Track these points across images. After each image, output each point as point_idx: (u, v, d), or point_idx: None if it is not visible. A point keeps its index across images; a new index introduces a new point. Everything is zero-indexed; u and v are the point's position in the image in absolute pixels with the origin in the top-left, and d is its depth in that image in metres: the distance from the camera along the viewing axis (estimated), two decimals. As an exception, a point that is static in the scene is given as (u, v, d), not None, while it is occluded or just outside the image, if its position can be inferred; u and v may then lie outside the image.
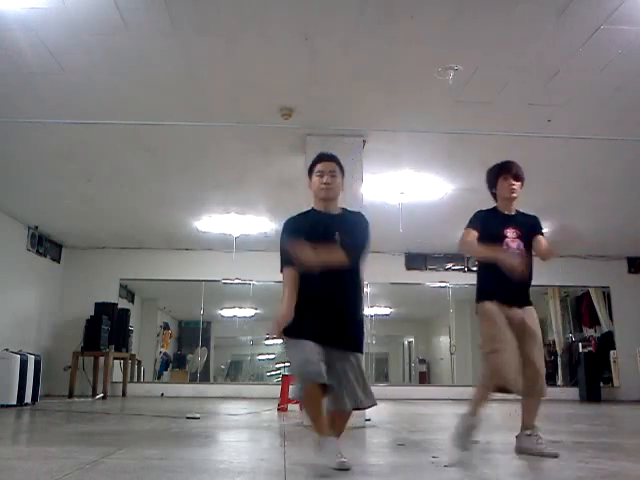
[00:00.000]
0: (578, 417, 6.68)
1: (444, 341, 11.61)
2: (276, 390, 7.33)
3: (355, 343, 2.87)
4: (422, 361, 12.33)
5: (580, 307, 11.23)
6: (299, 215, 3.07)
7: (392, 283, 10.20)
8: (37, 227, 8.84)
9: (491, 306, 3.18)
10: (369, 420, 5.00)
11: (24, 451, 3.57)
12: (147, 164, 6.41)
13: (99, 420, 5.69)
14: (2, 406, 6.46)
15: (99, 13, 3.71)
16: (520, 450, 3.12)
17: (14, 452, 3.46)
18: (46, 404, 7.08)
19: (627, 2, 3.55)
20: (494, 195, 3.48)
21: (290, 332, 2.73)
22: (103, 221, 8.71)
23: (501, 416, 5.94)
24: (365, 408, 2.92)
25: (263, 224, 8.65)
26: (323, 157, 3.15)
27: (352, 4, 3.68)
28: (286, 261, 2.80)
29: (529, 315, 3.23)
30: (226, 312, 12.62)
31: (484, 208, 3.45)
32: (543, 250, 3.28)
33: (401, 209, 6.99)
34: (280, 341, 2.97)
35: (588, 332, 11.10)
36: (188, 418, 5.30)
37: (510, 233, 3.25)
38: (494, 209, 3.45)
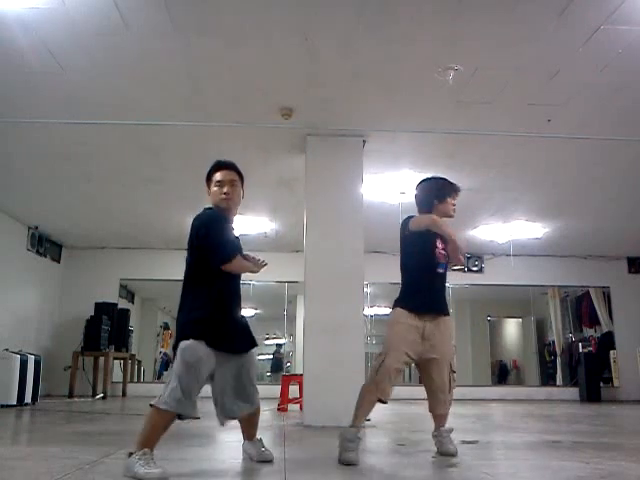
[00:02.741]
0: (578, 417, 6.68)
1: (444, 341, 11.60)
2: (276, 390, 7.32)
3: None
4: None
5: (580, 307, 11.23)
6: (219, 212, 2.97)
7: (392, 283, 10.16)
8: (37, 227, 8.84)
9: (401, 313, 3.21)
10: (369, 420, 4.99)
11: (24, 451, 3.57)
12: (147, 164, 6.40)
13: (99, 420, 5.69)
14: (2, 406, 6.46)
15: (99, 13, 3.70)
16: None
17: (14, 452, 3.46)
18: (46, 404, 7.08)
19: (627, 2, 3.54)
20: (432, 206, 3.37)
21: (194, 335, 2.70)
22: (103, 221, 8.71)
23: (501, 416, 5.95)
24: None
25: (263, 224, 8.65)
26: (222, 165, 3.00)
27: (352, 4, 3.68)
28: (233, 250, 2.88)
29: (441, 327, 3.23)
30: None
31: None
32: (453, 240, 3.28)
33: (401, 209, 7.00)
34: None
35: (588, 332, 11.11)
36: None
37: (439, 244, 3.27)
38: None
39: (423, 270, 3.26)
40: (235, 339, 2.84)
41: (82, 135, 5.55)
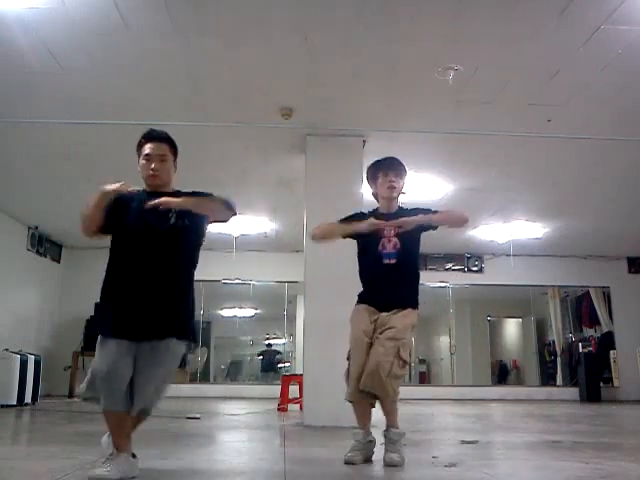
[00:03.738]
0: (578, 417, 6.68)
1: (444, 341, 11.61)
2: (276, 390, 7.32)
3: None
4: (422, 361, 12.32)
5: (580, 307, 11.23)
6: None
7: (392, 283, 10.20)
8: (37, 227, 8.83)
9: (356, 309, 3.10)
10: (369, 420, 4.99)
11: (24, 451, 3.58)
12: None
13: (99, 420, 5.63)
14: (2, 406, 6.46)
15: (99, 13, 3.70)
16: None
17: (14, 452, 3.46)
18: (46, 404, 7.08)
19: (627, 2, 3.54)
20: (375, 195, 3.29)
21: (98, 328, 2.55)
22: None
23: (501, 416, 5.95)
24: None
25: (263, 224, 8.64)
26: (151, 137, 2.69)
27: (352, 4, 3.67)
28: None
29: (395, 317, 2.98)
30: (226, 312, 12.61)
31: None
32: (440, 218, 3.08)
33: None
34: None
35: (588, 332, 11.11)
36: (188, 418, 5.30)
37: (387, 231, 3.03)
38: (375, 210, 3.26)
39: (369, 263, 3.09)
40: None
41: (82, 135, 5.55)
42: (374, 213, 3.20)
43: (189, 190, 2.70)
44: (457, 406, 8.34)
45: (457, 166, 6.24)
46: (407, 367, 2.99)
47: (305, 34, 3.98)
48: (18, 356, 6.92)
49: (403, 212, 3.14)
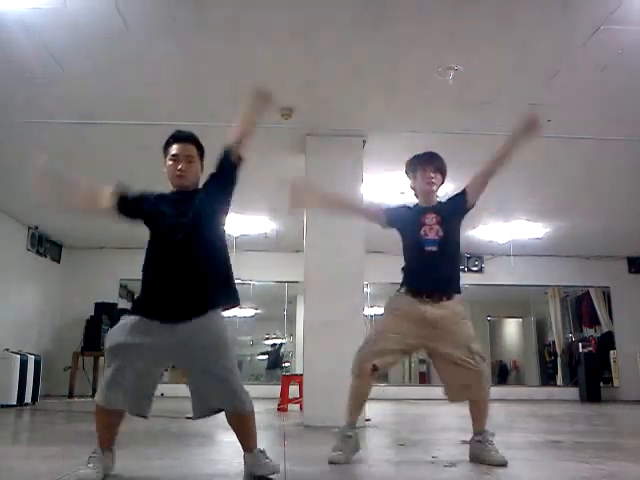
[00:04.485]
0: (578, 417, 6.68)
1: (444, 341, 11.61)
2: (276, 390, 7.32)
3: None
4: (422, 361, 12.31)
5: (580, 307, 11.24)
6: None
7: (392, 283, 10.18)
8: (37, 227, 8.84)
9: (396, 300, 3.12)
10: (369, 420, 5.00)
11: (24, 451, 3.57)
12: (147, 164, 6.39)
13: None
14: (2, 406, 6.46)
15: (100, 13, 3.70)
16: (471, 458, 2.98)
17: (14, 452, 3.46)
18: (46, 404, 7.08)
19: (627, 2, 3.54)
20: (414, 189, 3.35)
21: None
22: (103, 221, 8.67)
23: (501, 416, 5.95)
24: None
25: (263, 224, 8.64)
26: (179, 137, 2.71)
27: (352, 4, 3.68)
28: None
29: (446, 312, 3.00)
30: (226, 312, 12.61)
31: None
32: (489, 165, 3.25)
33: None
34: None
35: (588, 332, 11.11)
36: (188, 418, 5.29)
37: (428, 219, 3.08)
38: (416, 205, 3.31)
39: (411, 250, 3.14)
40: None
41: (82, 135, 5.55)
42: (416, 208, 3.26)
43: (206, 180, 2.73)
44: (457, 406, 8.32)
45: (457, 166, 6.22)
46: (486, 357, 3.03)
47: (305, 34, 3.98)
48: (18, 356, 6.92)
49: (442, 205, 3.22)
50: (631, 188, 6.90)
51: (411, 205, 3.31)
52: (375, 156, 5.84)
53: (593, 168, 6.31)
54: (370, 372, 2.99)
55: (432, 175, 3.19)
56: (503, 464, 2.80)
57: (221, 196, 2.66)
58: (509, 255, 9.31)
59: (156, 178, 6.35)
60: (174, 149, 2.66)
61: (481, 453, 2.91)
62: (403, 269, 3.21)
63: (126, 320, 2.52)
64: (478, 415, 3.00)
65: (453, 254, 3.15)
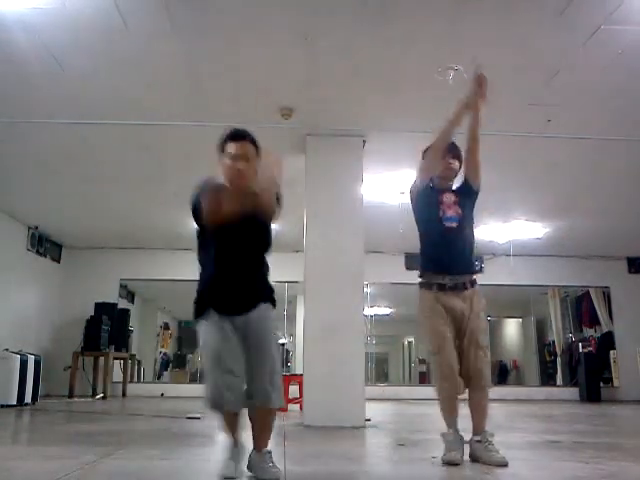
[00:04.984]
0: (578, 417, 6.68)
1: (444, 341, 11.61)
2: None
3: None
4: (422, 361, 12.32)
5: (580, 307, 11.24)
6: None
7: (392, 283, 10.20)
8: (37, 227, 8.83)
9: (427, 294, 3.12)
10: (369, 420, 5.00)
11: (24, 451, 3.57)
12: (147, 164, 6.40)
13: (99, 420, 5.69)
14: (2, 406, 6.46)
15: (99, 13, 3.71)
16: (472, 458, 3.00)
17: (14, 452, 3.46)
18: (46, 404, 7.08)
19: (627, 2, 3.54)
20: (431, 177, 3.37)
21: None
22: (103, 221, 8.71)
23: (501, 416, 5.94)
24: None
25: (263, 224, 8.64)
26: (237, 136, 2.62)
27: (352, 4, 3.68)
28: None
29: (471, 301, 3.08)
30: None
31: None
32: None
33: (401, 209, 6.99)
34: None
35: (588, 332, 11.11)
36: (188, 418, 5.30)
37: (446, 198, 3.20)
38: (431, 187, 3.35)
39: (431, 229, 3.19)
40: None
41: (82, 135, 5.55)
42: (432, 188, 3.30)
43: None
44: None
45: (457, 166, 6.24)
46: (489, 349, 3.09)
47: (305, 34, 3.98)
48: (18, 356, 6.92)
49: (457, 190, 3.31)
50: (631, 188, 6.90)
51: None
52: (375, 156, 5.85)
53: (593, 168, 6.31)
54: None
55: (451, 161, 3.29)
56: (503, 464, 2.81)
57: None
58: (509, 255, 9.31)
59: (156, 178, 6.36)
60: (232, 148, 2.59)
61: (481, 453, 2.92)
62: (421, 255, 3.25)
63: (207, 324, 2.55)
64: (477, 415, 3.01)
65: (471, 235, 3.22)
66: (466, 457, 2.96)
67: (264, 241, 2.71)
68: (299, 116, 5.13)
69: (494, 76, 4.51)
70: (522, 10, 3.68)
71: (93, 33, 3.94)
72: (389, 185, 6.76)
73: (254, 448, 2.54)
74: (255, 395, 2.47)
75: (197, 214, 2.57)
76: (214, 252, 2.65)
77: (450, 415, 3.06)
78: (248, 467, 2.53)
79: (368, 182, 6.00)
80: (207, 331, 2.52)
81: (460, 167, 3.34)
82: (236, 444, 2.56)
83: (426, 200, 3.24)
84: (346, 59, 4.29)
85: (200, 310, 2.58)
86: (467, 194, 3.30)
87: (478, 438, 2.96)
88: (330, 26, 3.91)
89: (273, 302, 2.66)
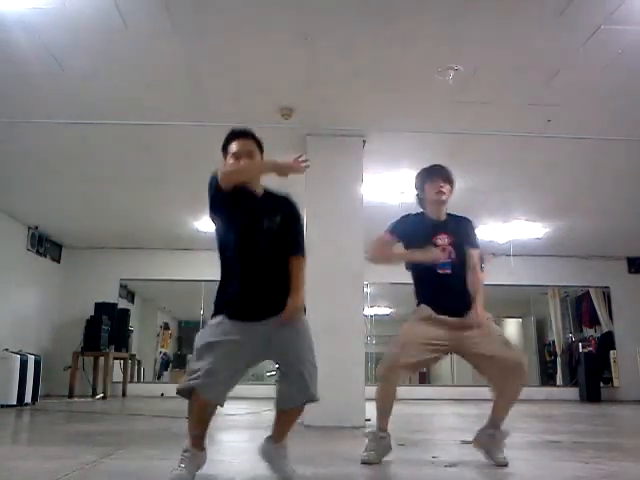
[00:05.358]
0: (578, 417, 6.68)
1: (444, 341, 11.61)
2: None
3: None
4: (422, 361, 12.32)
5: (580, 307, 11.23)
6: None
7: (392, 283, 10.18)
8: (37, 227, 8.83)
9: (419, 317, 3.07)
10: (369, 420, 4.99)
11: (24, 451, 3.57)
12: (147, 164, 6.40)
13: (99, 420, 5.69)
14: (2, 406, 6.46)
15: (99, 13, 3.71)
16: (476, 445, 3.05)
17: (14, 452, 3.46)
18: (46, 404, 7.08)
19: (627, 2, 3.54)
20: (421, 201, 3.29)
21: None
22: (103, 221, 8.71)
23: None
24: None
25: (263, 224, 8.63)
26: (238, 134, 2.66)
27: (352, 4, 3.68)
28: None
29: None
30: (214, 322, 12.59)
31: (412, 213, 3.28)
32: (471, 269, 3.06)
33: (401, 209, 6.99)
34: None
35: (588, 332, 11.10)
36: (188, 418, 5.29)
37: (440, 240, 3.05)
38: (422, 214, 3.26)
39: (423, 273, 3.08)
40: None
41: (82, 135, 5.55)
42: (422, 217, 3.22)
43: (280, 194, 2.78)
44: (457, 406, 8.34)
45: (457, 166, 6.22)
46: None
47: (305, 34, 3.98)
48: (18, 356, 6.92)
49: (452, 220, 3.19)
50: (631, 188, 6.90)
51: (416, 215, 3.27)
52: (375, 156, 5.84)
53: (593, 168, 6.31)
54: (398, 382, 3.02)
55: (442, 185, 3.15)
56: (504, 465, 2.83)
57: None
58: (509, 255, 9.30)
59: (156, 178, 6.36)
60: (234, 147, 2.62)
61: (489, 448, 2.95)
62: (416, 289, 3.17)
63: (217, 322, 2.47)
64: (500, 409, 3.00)
65: (464, 276, 3.09)
66: (466, 457, 2.96)
67: (294, 240, 2.61)
68: (299, 116, 5.13)
69: (494, 76, 4.55)
70: (522, 10, 3.68)
71: (93, 33, 3.94)
72: (389, 185, 6.76)
73: (273, 439, 2.52)
74: (297, 396, 2.43)
75: (215, 185, 2.52)
76: (238, 248, 2.50)
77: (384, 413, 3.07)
78: (261, 454, 2.52)
79: (368, 182, 6.00)
80: (224, 331, 2.42)
81: (452, 191, 3.20)
82: (201, 449, 2.43)
83: (416, 237, 3.10)
84: (346, 59, 4.29)
85: (222, 310, 2.48)
86: (466, 236, 3.15)
87: (492, 432, 2.99)
88: (330, 26, 3.91)
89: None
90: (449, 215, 3.22)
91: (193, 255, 9.97)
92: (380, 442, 3.02)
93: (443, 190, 3.15)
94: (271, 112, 5.07)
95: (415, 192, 3.32)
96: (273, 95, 4.87)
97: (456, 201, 3.36)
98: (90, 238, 9.60)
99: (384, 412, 3.09)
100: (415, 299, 3.16)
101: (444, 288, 3.02)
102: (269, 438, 2.55)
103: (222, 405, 2.42)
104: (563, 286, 11.01)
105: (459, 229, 3.15)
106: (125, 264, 10.08)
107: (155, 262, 10.05)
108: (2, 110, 5.03)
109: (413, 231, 3.14)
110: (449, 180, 3.20)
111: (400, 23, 3.85)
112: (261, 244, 2.49)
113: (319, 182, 5.46)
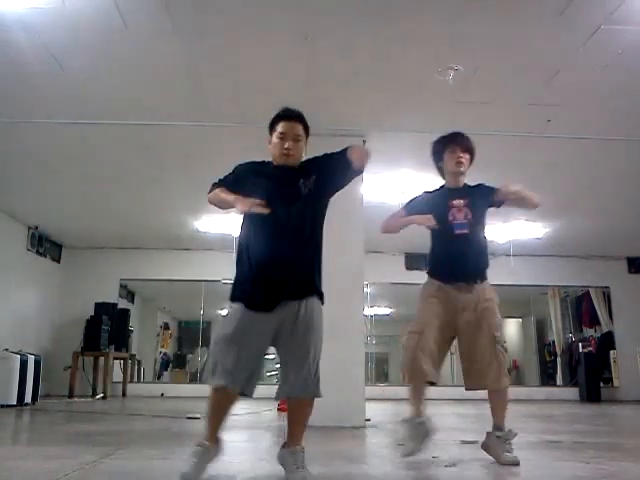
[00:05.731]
0: (578, 417, 6.68)
1: (444, 341, 11.60)
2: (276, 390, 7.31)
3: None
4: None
5: (580, 307, 11.24)
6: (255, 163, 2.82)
7: (392, 283, 10.20)
8: (37, 227, 8.84)
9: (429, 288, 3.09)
10: (369, 420, 5.00)
11: (24, 451, 3.57)
12: (147, 164, 6.40)
13: (99, 420, 5.69)
14: (2, 406, 6.46)
15: (99, 13, 3.71)
16: (484, 448, 3.05)
17: (14, 452, 3.46)
18: (46, 404, 7.07)
19: (627, 2, 3.54)
20: (440, 170, 3.31)
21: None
22: (103, 221, 8.71)
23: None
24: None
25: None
26: (288, 115, 2.70)
27: (352, 4, 3.68)
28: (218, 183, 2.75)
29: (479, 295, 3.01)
30: (226, 312, 12.60)
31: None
32: (508, 193, 3.06)
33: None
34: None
35: (588, 332, 11.11)
36: (188, 418, 5.29)
37: (456, 202, 3.08)
38: (442, 187, 3.28)
39: (440, 234, 3.09)
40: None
41: (82, 135, 5.55)
42: (441, 190, 3.23)
43: (317, 155, 2.75)
44: (457, 406, 8.34)
45: (457, 166, 6.24)
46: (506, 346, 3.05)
47: (305, 34, 3.98)
48: (18, 356, 6.92)
49: (471, 188, 3.20)
50: (631, 188, 6.90)
51: (433, 190, 3.29)
52: (375, 156, 5.77)
53: (593, 168, 6.31)
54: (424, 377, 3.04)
55: (461, 155, 3.17)
56: (515, 464, 2.82)
57: (338, 183, 2.79)
58: (509, 255, 9.30)
59: (156, 178, 6.37)
60: (281, 127, 2.68)
61: (496, 450, 2.95)
62: (429, 256, 3.19)
63: (235, 311, 2.55)
64: (497, 408, 3.06)
65: (482, 240, 3.12)
66: (466, 457, 2.96)
67: (316, 221, 2.65)
68: (299, 116, 5.12)
69: (494, 76, 4.55)
70: (522, 10, 3.68)
71: (93, 33, 3.94)
72: (389, 185, 6.76)
73: (287, 443, 2.49)
74: (295, 385, 2.41)
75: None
76: (256, 236, 2.55)
77: (417, 400, 3.07)
78: (278, 459, 2.50)
79: (368, 182, 5.99)
80: (239, 319, 2.48)
81: (472, 160, 3.21)
82: (215, 442, 2.44)
83: (431, 204, 3.14)
84: (346, 59, 4.29)
85: (238, 296, 2.53)
86: (484, 197, 3.15)
87: (499, 434, 3.01)
88: (330, 26, 3.91)
89: (321, 296, 2.55)
90: (466, 184, 3.25)
91: (193, 255, 9.98)
92: (419, 428, 2.99)
93: (462, 161, 3.17)
94: (271, 112, 5.05)
95: (434, 159, 3.31)
96: (273, 95, 4.85)
97: (461, 152, 3.31)
98: (90, 238, 9.60)
99: (418, 396, 3.10)
100: (427, 266, 3.18)
101: (460, 249, 3.03)
102: (284, 443, 2.52)
103: (248, 394, 2.46)
104: (563, 286, 11.01)
105: (475, 191, 3.17)
106: (125, 264, 10.09)
107: (155, 262, 10.05)
108: (2, 110, 5.03)
109: (428, 202, 3.16)
110: (469, 149, 3.22)
111: (400, 23, 3.85)
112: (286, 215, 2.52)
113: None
